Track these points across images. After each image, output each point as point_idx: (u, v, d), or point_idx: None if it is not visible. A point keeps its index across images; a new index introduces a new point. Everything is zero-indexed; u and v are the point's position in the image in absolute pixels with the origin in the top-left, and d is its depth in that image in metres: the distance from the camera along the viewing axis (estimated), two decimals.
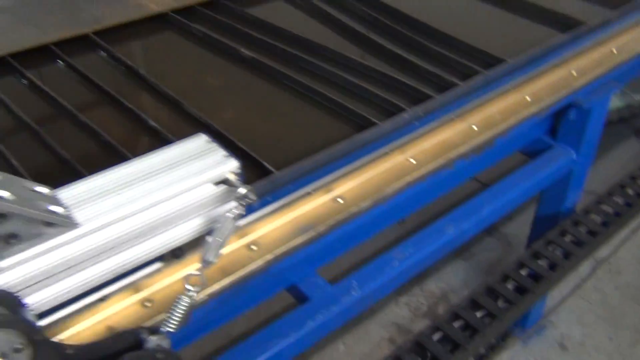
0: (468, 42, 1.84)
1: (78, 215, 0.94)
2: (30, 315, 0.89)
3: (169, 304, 1.11)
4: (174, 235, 1.06)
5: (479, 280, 2.57)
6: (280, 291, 1.51)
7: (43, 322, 0.99)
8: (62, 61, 1.80)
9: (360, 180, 1.37)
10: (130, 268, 1.04)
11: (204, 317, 1.21)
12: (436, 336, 1.61)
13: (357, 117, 1.55)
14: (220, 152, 1.09)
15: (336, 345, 2.45)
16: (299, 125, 1.61)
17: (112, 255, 0.99)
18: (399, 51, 1.82)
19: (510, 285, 1.80)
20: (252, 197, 1.05)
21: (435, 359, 1.57)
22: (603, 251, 2.36)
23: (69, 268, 0.95)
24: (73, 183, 1.02)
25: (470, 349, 1.60)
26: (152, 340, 0.97)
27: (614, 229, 1.93)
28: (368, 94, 1.64)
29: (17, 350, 0.82)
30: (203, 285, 1.02)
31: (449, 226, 1.67)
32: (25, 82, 1.71)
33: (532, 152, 1.99)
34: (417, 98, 1.60)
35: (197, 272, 1.02)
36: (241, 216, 1.05)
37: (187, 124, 1.57)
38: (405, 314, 2.54)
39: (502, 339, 2.47)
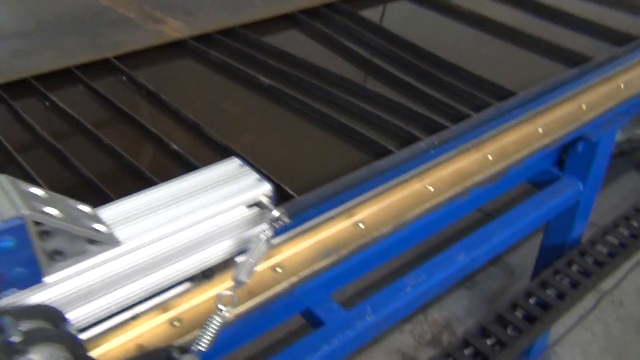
0: (478, 74, 1.89)
1: (119, 233, 0.97)
2: (73, 330, 0.91)
3: (197, 324, 1.14)
4: (206, 255, 1.09)
5: (483, 309, 2.59)
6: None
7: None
8: (84, 84, 1.83)
9: (381, 206, 1.41)
10: (165, 287, 1.06)
11: (227, 337, 1.23)
12: None
13: (373, 145, 1.59)
14: (253, 176, 1.13)
15: None
16: (317, 151, 1.65)
17: (149, 273, 1.02)
18: (412, 82, 1.87)
19: (519, 314, 1.83)
20: (285, 219, 1.08)
21: None
22: (606, 283, 2.39)
23: (108, 285, 0.97)
24: (112, 203, 1.05)
25: None
26: (183, 359, 0.99)
27: (619, 259, 1.96)
28: (384, 123, 1.69)
29: None
30: (235, 305, 1.05)
31: (460, 254, 1.70)
32: (48, 103, 1.74)
33: (540, 182, 2.04)
34: (431, 127, 1.65)
35: (230, 292, 1.04)
36: (273, 238, 1.08)
37: (207, 147, 1.61)
38: (410, 342, 2.55)
39: None
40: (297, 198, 1.35)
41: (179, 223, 1.02)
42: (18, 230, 0.82)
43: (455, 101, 1.77)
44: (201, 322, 1.13)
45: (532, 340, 1.79)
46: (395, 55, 2.05)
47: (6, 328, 0.81)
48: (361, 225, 1.36)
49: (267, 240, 1.06)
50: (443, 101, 1.78)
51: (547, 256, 2.22)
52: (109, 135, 1.60)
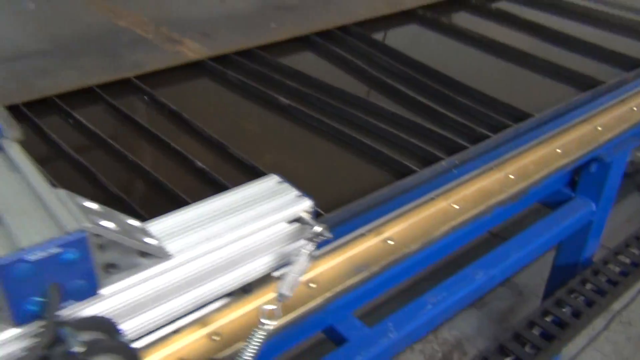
0: (492, 95, 1.93)
1: (169, 247, 0.99)
2: (128, 342, 0.93)
3: (236, 338, 1.15)
4: (248, 269, 1.11)
5: (492, 329, 2.61)
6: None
7: None
8: (107, 103, 1.85)
9: (409, 223, 1.43)
10: (209, 300, 1.07)
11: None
12: None
13: (395, 164, 1.63)
14: (293, 192, 1.15)
15: None
16: (340, 170, 1.68)
17: (195, 287, 1.03)
18: (428, 102, 1.91)
19: (536, 332, 1.85)
20: (328, 234, 1.10)
21: None
22: (616, 303, 2.42)
23: (158, 298, 0.99)
24: (157, 218, 1.07)
25: None
26: None
27: (633, 278, 2.00)
28: (403, 142, 1.72)
29: None
30: (278, 319, 1.06)
31: (478, 273, 1.72)
32: (72, 121, 1.76)
33: (552, 203, 2.08)
34: (450, 147, 1.68)
35: (273, 306, 1.06)
36: (314, 253, 1.10)
37: (231, 166, 1.63)
38: None
39: None
40: (324, 216, 1.37)
41: (226, 237, 1.04)
42: (80, 242, 0.84)
43: (472, 122, 1.81)
44: (240, 337, 1.16)
45: (550, 357, 1.81)
46: (408, 76, 2.09)
47: (67, 339, 0.82)
48: (390, 242, 1.38)
49: (310, 255, 1.08)
50: (460, 122, 1.81)
51: (560, 275, 2.25)
52: (134, 152, 1.62)
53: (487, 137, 1.70)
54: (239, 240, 1.05)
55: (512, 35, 2.46)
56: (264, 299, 1.19)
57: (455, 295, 1.67)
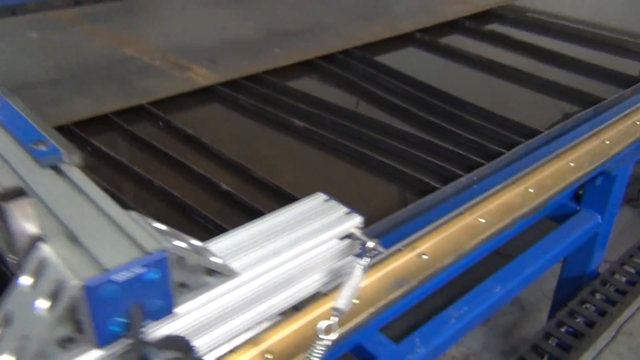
0: (501, 114, 2.00)
1: (233, 265, 1.00)
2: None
3: (289, 356, 1.16)
4: (302, 287, 1.13)
5: (498, 344, 2.65)
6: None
7: None
8: (123, 129, 1.86)
9: (440, 238, 1.47)
10: (267, 317, 1.09)
11: None
12: None
13: (415, 181, 1.67)
14: (342, 209, 1.17)
15: None
16: (360, 189, 1.71)
17: (257, 304, 1.05)
18: (438, 121, 1.96)
19: (552, 342, 1.90)
20: (380, 249, 1.12)
21: None
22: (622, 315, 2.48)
23: (224, 316, 1.00)
24: (216, 237, 1.08)
25: None
26: None
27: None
28: (419, 160, 1.77)
29: None
30: (336, 333, 1.08)
31: (497, 286, 1.76)
32: (89, 149, 1.76)
33: (558, 216, 2.13)
34: (466, 164, 1.73)
35: (331, 321, 1.07)
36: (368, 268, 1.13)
37: (253, 187, 1.65)
38: None
39: None
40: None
41: (284, 255, 1.05)
42: (161, 262, 0.85)
43: (483, 139, 1.87)
44: (291, 354, 1.16)
45: None
46: (414, 97, 2.14)
47: (152, 358, 0.83)
48: (425, 257, 1.41)
49: (364, 270, 1.11)
50: (472, 139, 1.87)
51: (566, 288, 2.30)
52: (157, 177, 1.63)
53: (501, 153, 1.76)
54: (296, 257, 1.07)
55: (507, 55, 2.54)
56: (313, 315, 1.20)
57: (478, 309, 1.71)
